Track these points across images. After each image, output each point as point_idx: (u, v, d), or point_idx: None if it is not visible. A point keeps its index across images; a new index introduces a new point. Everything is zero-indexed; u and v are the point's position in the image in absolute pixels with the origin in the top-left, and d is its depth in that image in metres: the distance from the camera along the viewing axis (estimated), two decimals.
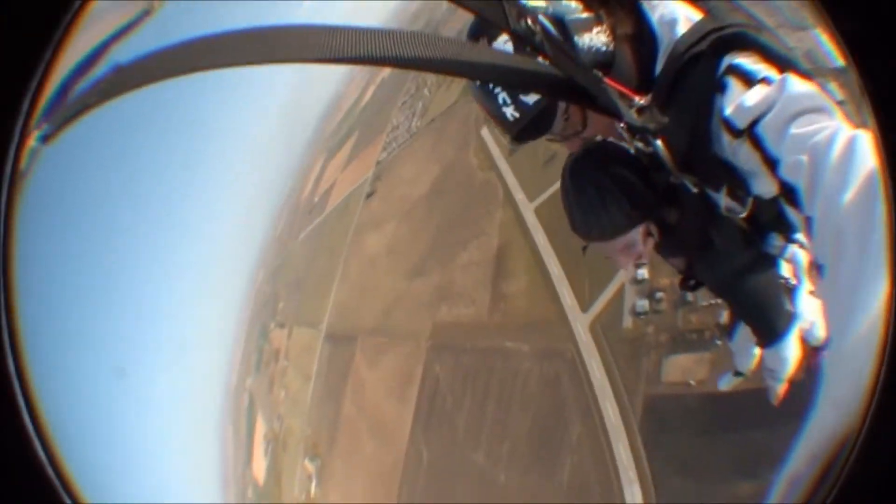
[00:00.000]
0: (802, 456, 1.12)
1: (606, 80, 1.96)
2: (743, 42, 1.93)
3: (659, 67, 2.10)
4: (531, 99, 2.12)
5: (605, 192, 2.37)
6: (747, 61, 1.89)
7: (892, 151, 1.02)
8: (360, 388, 36.48)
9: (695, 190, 2.16)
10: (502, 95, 2.12)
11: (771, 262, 2.47)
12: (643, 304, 23.44)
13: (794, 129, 1.68)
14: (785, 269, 2.56)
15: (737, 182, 2.00)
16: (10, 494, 1.11)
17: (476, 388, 28.05)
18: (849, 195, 1.39)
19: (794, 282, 2.56)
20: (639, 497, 19.40)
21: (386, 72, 70.94)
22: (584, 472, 21.00)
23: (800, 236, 2.36)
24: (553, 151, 37.10)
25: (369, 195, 52.08)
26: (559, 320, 26.62)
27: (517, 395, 25.52)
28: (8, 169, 1.08)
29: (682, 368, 20.42)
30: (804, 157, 1.60)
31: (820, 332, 2.56)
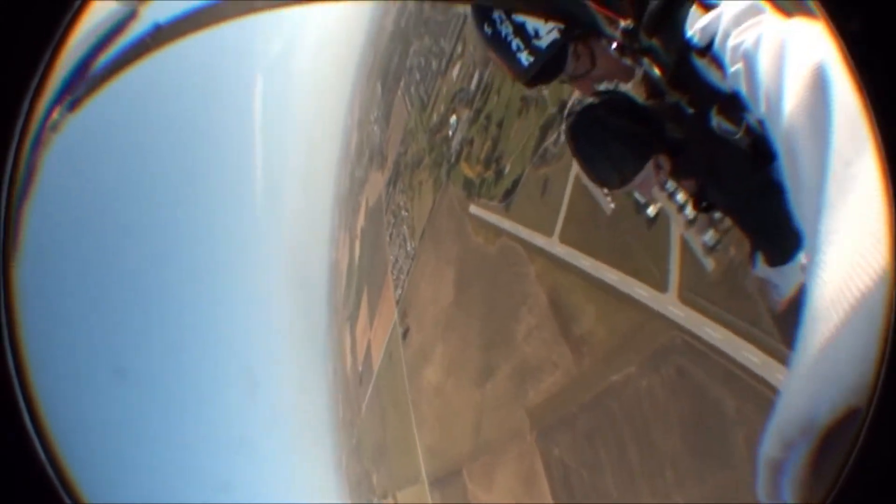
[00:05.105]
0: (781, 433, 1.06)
1: (591, 2, 2.30)
2: None
3: None
4: (544, 42, 2.45)
5: (606, 148, 2.54)
6: None
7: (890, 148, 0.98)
8: None
9: (691, 111, 2.40)
10: (516, 42, 2.43)
11: (779, 187, 1.86)
12: (709, 235, 20.51)
13: (731, 42, 1.86)
14: None
15: (724, 103, 2.20)
16: (10, 494, 1.11)
17: (607, 442, 23.99)
18: (788, 100, 1.35)
19: None
20: None
21: (361, 220, 71.77)
22: (759, 433, 16.74)
23: None
24: (545, 177, 36.06)
25: (405, 334, 50.29)
26: (648, 318, 23.20)
27: (651, 418, 21.30)
28: (8, 169, 1.08)
29: None
30: (740, 66, 1.73)
31: None
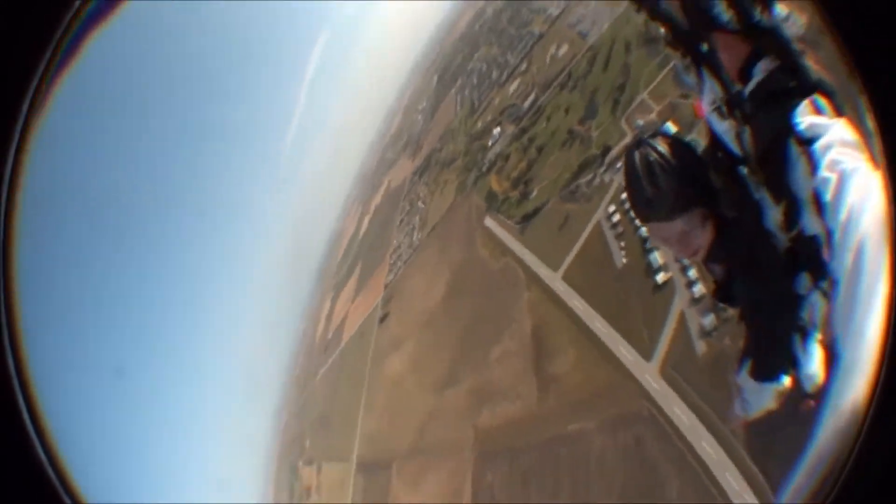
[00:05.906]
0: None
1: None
2: (822, 88, 2.33)
3: (758, 73, 2.51)
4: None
5: (659, 168, 2.53)
6: (821, 101, 2.33)
7: (892, 152, 1.08)
8: None
9: (757, 195, 2.48)
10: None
11: (796, 300, 2.49)
12: (709, 319, 20.58)
13: (832, 154, 2.15)
14: (805, 312, 2.58)
15: (793, 202, 2.31)
16: (10, 494, 1.11)
17: (542, 486, 23.67)
18: (870, 218, 1.82)
19: (809, 327, 2.57)
20: None
21: (378, 198, 71.53)
22: None
23: (825, 284, 2.42)
24: (567, 213, 35.75)
25: (383, 319, 49.80)
26: (624, 380, 22.89)
27: (594, 477, 20.95)
28: (8, 169, 1.10)
29: None
30: (833, 175, 2.08)
31: (818, 381, 2.57)
